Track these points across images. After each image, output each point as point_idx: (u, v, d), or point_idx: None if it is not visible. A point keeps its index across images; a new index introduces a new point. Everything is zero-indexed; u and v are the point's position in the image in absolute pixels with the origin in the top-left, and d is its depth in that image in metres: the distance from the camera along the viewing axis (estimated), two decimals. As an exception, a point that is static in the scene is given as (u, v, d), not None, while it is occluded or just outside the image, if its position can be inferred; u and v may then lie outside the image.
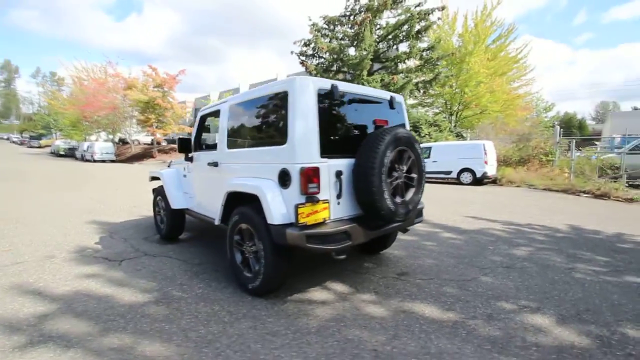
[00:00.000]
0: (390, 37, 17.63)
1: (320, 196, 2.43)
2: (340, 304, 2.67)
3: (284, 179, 2.49)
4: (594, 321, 2.43)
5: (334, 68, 19.35)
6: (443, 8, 16.63)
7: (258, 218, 2.66)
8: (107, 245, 4.24)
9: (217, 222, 3.23)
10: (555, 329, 2.34)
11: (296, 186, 2.40)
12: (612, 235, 4.85)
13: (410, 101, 18.48)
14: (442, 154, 12.32)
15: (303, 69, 19.62)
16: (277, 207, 2.45)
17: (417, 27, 16.65)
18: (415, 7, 17.49)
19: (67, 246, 4.17)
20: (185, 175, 4.18)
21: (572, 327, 2.35)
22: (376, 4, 16.82)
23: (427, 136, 17.17)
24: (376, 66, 18.92)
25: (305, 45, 19.20)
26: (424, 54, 17.09)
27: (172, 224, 4.37)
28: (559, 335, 2.26)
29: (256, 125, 2.97)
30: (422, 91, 17.14)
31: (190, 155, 3.90)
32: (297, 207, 2.34)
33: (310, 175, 2.36)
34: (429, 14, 16.80)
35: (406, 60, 17.86)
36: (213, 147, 3.61)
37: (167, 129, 25.37)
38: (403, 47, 18.76)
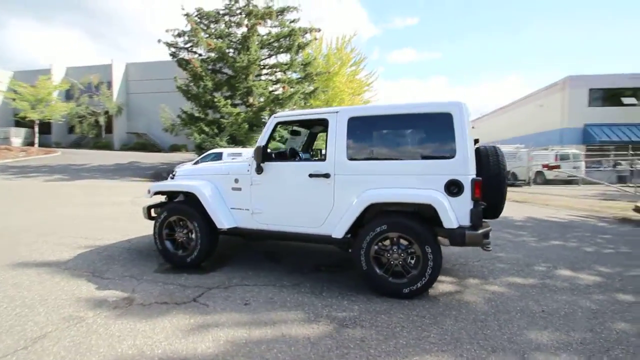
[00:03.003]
0: (272, 46, 18.19)
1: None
2: (471, 290, 3.24)
3: (450, 188, 2.87)
4: (583, 268, 3.99)
5: (210, 67, 18.19)
6: (319, 30, 18.58)
7: (418, 225, 2.91)
8: (126, 289, 3.12)
9: (338, 236, 3.14)
10: (579, 275, 3.72)
11: (468, 194, 2.84)
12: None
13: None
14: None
15: (161, 58, 17.52)
16: (453, 213, 2.81)
17: (298, 41, 17.93)
18: (291, 22, 18.80)
19: (64, 302, 2.82)
20: (238, 189, 3.59)
21: (582, 272, 3.79)
22: (261, 11, 17.03)
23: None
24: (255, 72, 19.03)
25: (179, 36, 17.24)
26: (303, 67, 18.61)
27: (209, 248, 3.65)
28: (585, 277, 3.64)
29: (404, 139, 3.14)
30: (303, 102, 18.52)
31: (261, 165, 3.43)
32: (478, 212, 2.80)
33: (479, 184, 2.86)
34: (307, 32, 18.42)
35: (286, 71, 18.91)
36: (308, 156, 3.35)
37: None
38: (280, 58, 19.73)
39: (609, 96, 19.35)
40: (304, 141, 4.87)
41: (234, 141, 17.04)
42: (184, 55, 17.72)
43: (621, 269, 3.92)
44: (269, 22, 17.93)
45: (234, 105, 17.80)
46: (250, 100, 18.43)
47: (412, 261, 3.02)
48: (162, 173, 17.82)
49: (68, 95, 30.29)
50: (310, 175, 3.27)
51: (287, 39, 17.79)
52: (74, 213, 6.69)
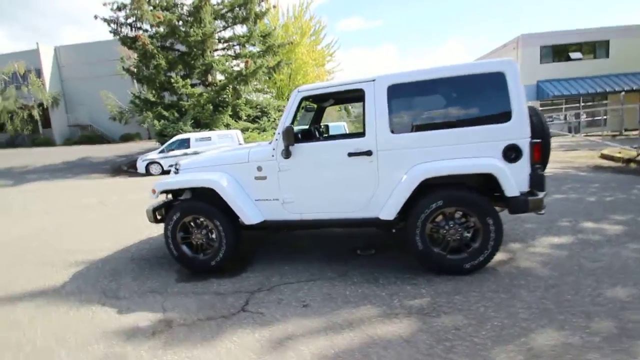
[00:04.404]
0: (226, 16, 16.72)
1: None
2: (521, 256, 3.19)
3: (509, 154, 2.69)
4: (601, 218, 4.08)
5: (159, 44, 16.39)
6: (276, -4, 17.31)
7: (477, 196, 2.73)
8: (154, 308, 2.67)
9: (389, 217, 2.88)
10: (602, 226, 3.81)
11: (527, 159, 2.68)
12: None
13: (259, 87, 18.52)
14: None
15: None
16: (514, 180, 2.65)
17: (254, 10, 16.60)
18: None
19: (88, 338, 2.33)
20: (263, 177, 3.15)
21: (603, 223, 3.89)
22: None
23: (276, 121, 17.95)
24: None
25: (119, 9, 15.20)
26: (263, 39, 17.43)
27: (234, 248, 3.25)
28: (610, 227, 3.73)
29: (452, 106, 2.86)
30: (268, 77, 17.54)
31: (289, 148, 3.00)
32: (539, 176, 2.66)
33: (539, 147, 2.71)
34: (262, 0, 17.10)
35: (245, 44, 17.63)
36: (348, 134, 2.98)
37: None
38: (237, 30, 18.26)
39: (558, 52, 20.52)
40: (312, 117, 4.44)
41: (198, 124, 15.85)
42: (127, 32, 15.76)
43: (633, 215, 4.11)
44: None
45: (192, 86, 16.42)
46: (210, 78, 17.09)
47: (469, 235, 2.87)
48: (122, 166, 16.29)
49: (-11, 89, 26.17)
50: (350, 154, 2.93)
51: (243, 8, 16.45)
52: (41, 224, 5.77)
